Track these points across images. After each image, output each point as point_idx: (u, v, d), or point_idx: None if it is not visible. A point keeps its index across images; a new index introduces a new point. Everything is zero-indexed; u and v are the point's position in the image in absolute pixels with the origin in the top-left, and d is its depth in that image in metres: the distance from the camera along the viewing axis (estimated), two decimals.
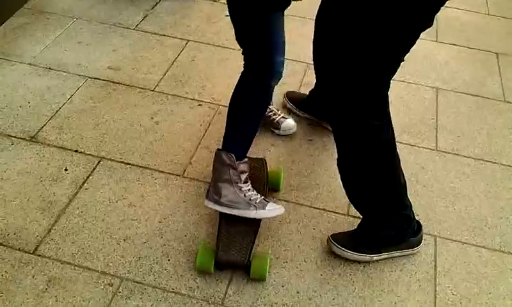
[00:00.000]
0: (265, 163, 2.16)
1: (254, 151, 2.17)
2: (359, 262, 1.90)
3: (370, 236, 1.89)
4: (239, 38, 1.79)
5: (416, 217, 2.06)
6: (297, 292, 1.81)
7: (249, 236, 1.89)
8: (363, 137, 1.71)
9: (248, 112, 1.89)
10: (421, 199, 2.16)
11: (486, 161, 2.36)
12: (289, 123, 2.39)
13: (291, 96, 2.55)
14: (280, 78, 1.83)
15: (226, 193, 1.86)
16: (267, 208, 1.89)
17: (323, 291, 1.82)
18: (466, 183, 2.25)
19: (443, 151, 2.40)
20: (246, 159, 1.89)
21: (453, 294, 1.83)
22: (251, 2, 1.67)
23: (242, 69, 1.83)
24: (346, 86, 1.65)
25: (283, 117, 2.40)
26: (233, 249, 1.84)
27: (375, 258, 1.90)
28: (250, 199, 1.86)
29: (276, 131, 2.39)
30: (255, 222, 1.92)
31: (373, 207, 1.85)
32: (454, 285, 1.86)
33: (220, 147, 1.91)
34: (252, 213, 1.87)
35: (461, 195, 2.19)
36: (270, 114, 2.37)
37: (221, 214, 1.92)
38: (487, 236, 2.04)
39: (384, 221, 1.86)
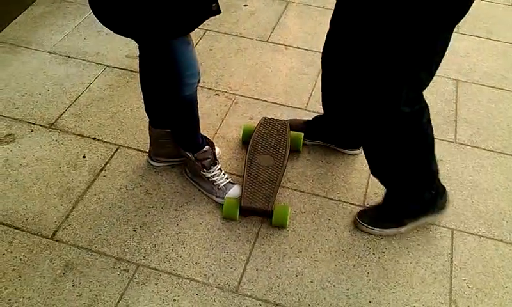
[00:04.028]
0: (288, 125, 2.24)
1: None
2: (374, 253, 1.90)
3: (398, 211, 1.91)
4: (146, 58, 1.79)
5: None
6: (311, 282, 1.81)
7: (272, 186, 2.00)
8: (396, 125, 1.67)
9: (177, 119, 1.96)
10: None
11: (506, 154, 2.32)
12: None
13: (291, 124, 2.30)
14: (195, 86, 1.82)
15: (196, 179, 2.09)
16: (225, 197, 2.01)
17: (337, 281, 1.81)
18: (485, 176, 2.22)
19: (462, 144, 2.37)
20: (205, 148, 1.99)
21: (469, 287, 1.82)
22: (151, 29, 1.63)
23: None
24: (377, 74, 1.58)
25: None
26: (257, 197, 1.97)
27: (402, 230, 1.93)
28: (213, 184, 2.03)
29: None
30: (278, 174, 2.05)
31: (404, 185, 1.86)
32: (470, 278, 1.84)
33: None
34: (214, 198, 2.05)
35: (479, 188, 2.17)
36: None
37: (246, 165, 2.07)
38: (505, 230, 2.01)
39: (414, 196, 1.88)
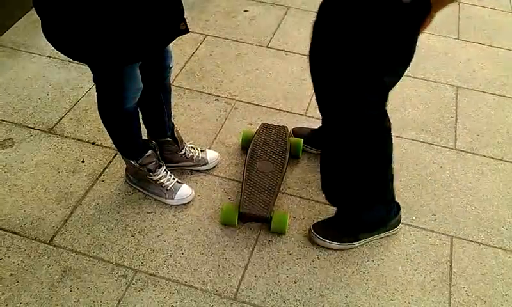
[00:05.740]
0: (287, 131, 2.24)
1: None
2: (373, 260, 1.89)
3: (353, 224, 1.90)
4: (95, 74, 1.77)
5: (433, 217, 2.05)
6: (310, 289, 1.80)
7: (271, 192, 2.00)
8: (362, 128, 1.67)
9: (117, 130, 1.94)
10: (438, 198, 2.13)
11: (506, 161, 2.32)
12: (212, 153, 2.22)
13: (298, 132, 2.32)
14: (137, 99, 1.81)
15: (142, 185, 2.08)
16: (175, 197, 2.03)
17: (336, 288, 1.81)
18: (485, 183, 2.22)
19: (462, 151, 2.36)
20: (148, 152, 1.97)
21: (468, 295, 1.81)
22: (106, 55, 1.60)
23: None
24: (343, 77, 1.60)
25: (202, 150, 2.20)
26: (256, 203, 1.96)
27: (356, 245, 1.92)
28: (162, 186, 2.03)
29: (205, 167, 2.19)
30: (277, 180, 2.04)
31: (357, 194, 1.84)
32: (469, 286, 1.84)
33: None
34: (164, 200, 2.05)
35: (479, 195, 2.16)
36: (190, 154, 2.15)
37: (245, 171, 2.05)
38: (504, 237, 2.00)
39: (366, 207, 1.87)
